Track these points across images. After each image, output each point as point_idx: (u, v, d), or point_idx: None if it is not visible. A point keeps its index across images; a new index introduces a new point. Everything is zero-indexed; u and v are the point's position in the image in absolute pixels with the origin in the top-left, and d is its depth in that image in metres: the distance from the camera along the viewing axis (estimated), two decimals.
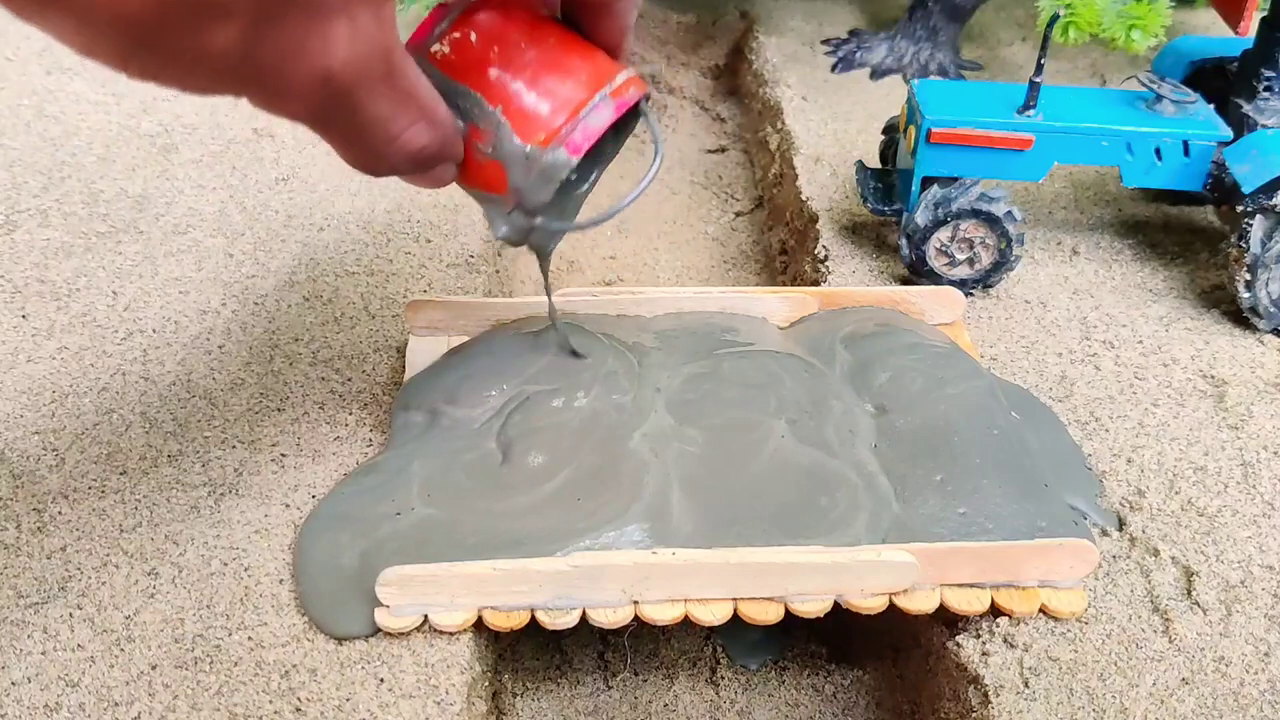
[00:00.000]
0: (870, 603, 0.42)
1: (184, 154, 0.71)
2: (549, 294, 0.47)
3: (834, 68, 0.87)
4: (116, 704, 0.39)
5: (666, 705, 0.50)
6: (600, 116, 0.35)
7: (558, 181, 0.35)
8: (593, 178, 0.40)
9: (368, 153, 0.33)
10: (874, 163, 0.67)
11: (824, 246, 0.65)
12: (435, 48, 0.34)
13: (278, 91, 0.28)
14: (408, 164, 0.34)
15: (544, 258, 0.44)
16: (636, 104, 0.37)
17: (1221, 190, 0.60)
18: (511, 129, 0.34)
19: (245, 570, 0.44)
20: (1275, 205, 0.56)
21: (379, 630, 0.41)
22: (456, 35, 0.34)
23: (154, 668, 0.40)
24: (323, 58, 0.27)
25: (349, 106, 0.30)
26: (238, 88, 0.27)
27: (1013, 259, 0.59)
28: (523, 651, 0.52)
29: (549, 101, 0.34)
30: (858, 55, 0.88)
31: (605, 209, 0.38)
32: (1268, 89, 0.61)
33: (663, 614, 0.42)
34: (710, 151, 0.91)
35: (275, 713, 0.39)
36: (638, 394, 0.49)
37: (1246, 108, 0.61)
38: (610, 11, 0.36)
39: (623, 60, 0.37)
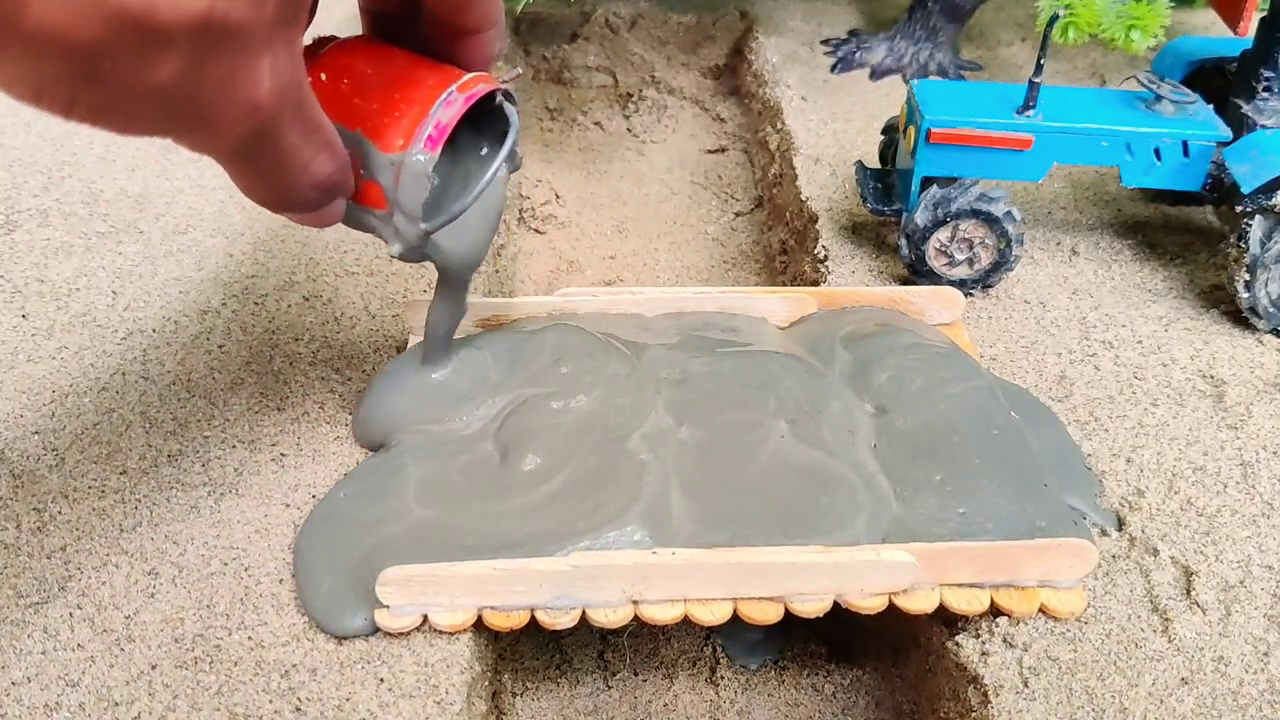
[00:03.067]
0: (870, 603, 0.42)
1: (184, 153, 0.71)
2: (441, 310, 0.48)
3: (834, 68, 0.87)
4: (116, 704, 0.39)
5: (666, 705, 0.50)
6: (449, 111, 0.38)
7: (425, 178, 0.38)
8: (485, 178, 0.41)
9: (281, 183, 0.35)
10: (874, 163, 0.67)
11: (824, 246, 0.65)
12: None
13: (208, 124, 0.30)
14: (315, 193, 0.36)
15: (455, 280, 0.46)
16: (494, 96, 0.40)
17: (1221, 190, 0.61)
18: (373, 145, 0.38)
19: (245, 570, 0.44)
20: (1275, 205, 0.56)
21: (379, 630, 0.41)
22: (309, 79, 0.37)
23: (154, 667, 0.40)
24: (251, 89, 0.29)
25: (270, 137, 0.32)
26: (171, 124, 0.29)
27: (1012, 259, 0.59)
28: (523, 651, 0.52)
29: (399, 110, 0.38)
30: (857, 55, 0.88)
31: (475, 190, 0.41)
32: (1267, 89, 0.61)
33: (662, 614, 0.42)
34: (710, 151, 0.91)
35: (275, 712, 0.39)
36: (637, 394, 0.49)
37: (1246, 108, 0.61)
38: (476, 41, 0.39)
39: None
